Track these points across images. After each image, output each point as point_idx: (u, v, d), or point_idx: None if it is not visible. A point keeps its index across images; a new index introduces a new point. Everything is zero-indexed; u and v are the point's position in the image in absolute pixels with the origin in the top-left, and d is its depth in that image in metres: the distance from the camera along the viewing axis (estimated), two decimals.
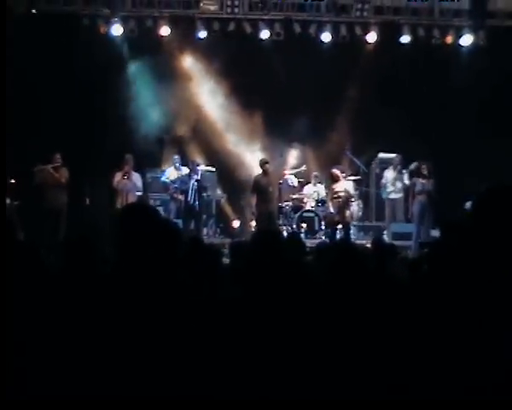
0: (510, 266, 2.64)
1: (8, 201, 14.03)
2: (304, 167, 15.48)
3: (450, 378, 2.63)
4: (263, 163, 14.39)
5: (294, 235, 9.26)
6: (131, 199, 14.54)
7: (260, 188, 14.20)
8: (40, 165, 14.26)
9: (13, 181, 14.55)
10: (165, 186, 15.30)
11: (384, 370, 3.06)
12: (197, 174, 14.56)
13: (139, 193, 14.82)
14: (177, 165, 15.22)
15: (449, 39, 16.24)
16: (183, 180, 14.66)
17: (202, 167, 15.26)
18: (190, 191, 14.45)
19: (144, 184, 15.33)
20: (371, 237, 14.19)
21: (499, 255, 2.64)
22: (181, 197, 14.78)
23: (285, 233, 14.78)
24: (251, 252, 3.97)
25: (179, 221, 14.19)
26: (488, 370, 2.55)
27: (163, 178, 15.30)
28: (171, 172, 15.23)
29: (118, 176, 14.55)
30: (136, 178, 14.74)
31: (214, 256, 5.43)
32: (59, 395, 2.85)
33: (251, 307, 3.46)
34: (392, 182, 15.24)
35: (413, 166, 14.80)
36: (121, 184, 14.48)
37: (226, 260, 6.74)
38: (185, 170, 14.90)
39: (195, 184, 14.49)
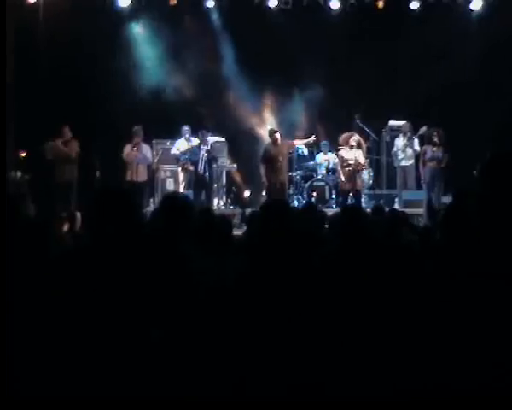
0: None
1: (19, 174, 14.09)
2: (313, 137, 15.41)
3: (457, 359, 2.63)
4: (272, 132, 14.36)
5: (310, 205, 9.17)
6: (142, 171, 14.55)
7: (270, 157, 14.19)
8: (50, 140, 14.26)
9: (23, 154, 14.60)
10: (175, 157, 15.26)
11: (393, 352, 3.06)
12: (207, 145, 14.53)
13: (149, 164, 14.82)
14: (187, 136, 15.19)
15: (459, 3, 16.08)
16: (194, 151, 14.63)
17: (212, 138, 15.21)
18: (200, 162, 14.43)
19: (153, 155, 15.32)
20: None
21: (506, 220, 2.64)
22: (191, 168, 14.78)
23: (296, 203, 14.88)
24: (260, 224, 3.95)
25: (190, 192, 14.23)
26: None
27: (173, 151, 15.25)
28: (181, 144, 15.19)
29: (127, 148, 14.52)
30: (146, 149, 14.72)
31: (226, 227, 5.44)
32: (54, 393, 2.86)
33: (258, 282, 3.45)
34: (403, 148, 15.16)
35: (422, 130, 14.73)
36: (131, 156, 14.46)
37: (237, 231, 6.75)
38: (195, 141, 14.87)
39: (205, 154, 14.48)
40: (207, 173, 14.51)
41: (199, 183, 14.46)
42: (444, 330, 2.75)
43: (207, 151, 14.46)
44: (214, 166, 14.87)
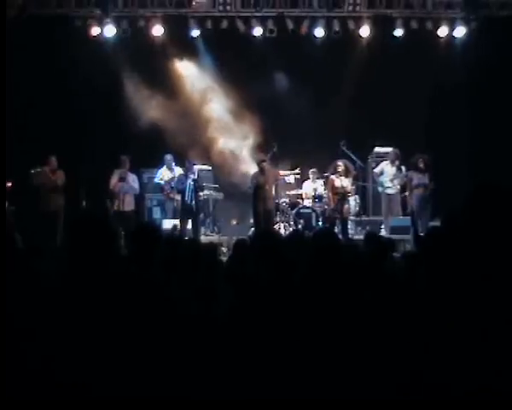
0: (498, 258, 2.65)
1: (6, 204, 14.03)
2: (298, 170, 15.54)
3: (450, 375, 2.63)
4: (260, 161, 14.42)
5: (296, 233, 9.18)
6: (128, 200, 14.55)
7: (257, 186, 14.24)
8: (37, 168, 14.25)
9: (10, 184, 14.55)
10: (160, 187, 15.27)
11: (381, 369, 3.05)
12: (194, 173, 14.55)
13: (135, 193, 14.82)
14: (170, 165, 15.20)
15: (442, 31, 16.21)
16: (180, 179, 14.63)
17: (198, 166, 15.24)
18: (187, 191, 14.42)
19: (141, 184, 15.32)
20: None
21: (487, 249, 2.66)
22: (177, 197, 14.79)
23: (282, 230, 14.89)
24: (251, 254, 3.96)
25: (176, 221, 14.24)
26: (489, 367, 2.55)
27: (156, 180, 15.32)
28: (163, 173, 15.22)
29: (114, 178, 14.53)
30: (133, 179, 14.72)
31: (212, 255, 5.43)
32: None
33: (251, 312, 3.45)
34: (391, 178, 15.21)
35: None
36: (117, 187, 14.47)
37: (224, 259, 6.74)
38: (178, 170, 14.90)
39: (192, 183, 14.49)
40: (194, 202, 14.51)
41: (186, 212, 14.45)
42: (431, 355, 2.75)
43: (194, 180, 14.47)
44: (201, 194, 14.87)
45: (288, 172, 15.47)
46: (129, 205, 14.61)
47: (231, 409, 3.11)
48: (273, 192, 14.72)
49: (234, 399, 3.13)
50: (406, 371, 2.88)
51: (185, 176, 14.50)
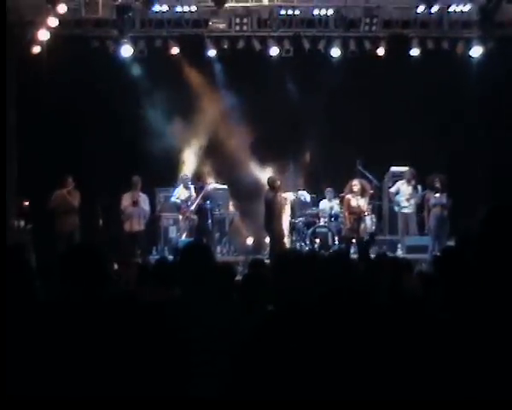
0: None
1: (22, 223, 14.12)
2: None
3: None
4: (272, 181, 14.41)
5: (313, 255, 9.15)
6: (138, 221, 14.63)
7: (269, 205, 14.23)
8: (57, 190, 14.35)
9: (26, 203, 14.64)
10: (176, 206, 15.29)
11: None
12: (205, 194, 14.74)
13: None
14: (187, 183, 15.21)
15: (459, 50, 16.18)
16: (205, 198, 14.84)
17: (213, 185, 15.33)
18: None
19: (155, 203, 15.46)
20: (385, 251, 14.17)
21: (504, 271, 2.63)
22: (193, 216, 14.85)
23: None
24: (273, 274, 3.95)
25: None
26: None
27: (173, 199, 15.30)
28: (180, 191, 15.22)
29: (125, 199, 14.60)
30: (144, 201, 14.78)
31: (229, 275, 5.42)
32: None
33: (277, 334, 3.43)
34: (407, 198, 15.18)
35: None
36: (128, 210, 14.56)
37: (239, 278, 6.71)
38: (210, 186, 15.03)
39: (208, 203, 14.63)
40: (209, 221, 14.59)
41: (201, 231, 14.53)
42: (447, 376, 2.72)
43: (206, 199, 14.65)
44: (216, 213, 14.95)
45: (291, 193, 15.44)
46: (139, 225, 14.68)
47: None
48: (283, 211, 14.71)
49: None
50: (424, 390, 2.85)
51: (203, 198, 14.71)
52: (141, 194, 14.75)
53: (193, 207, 14.70)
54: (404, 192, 15.27)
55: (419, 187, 15.11)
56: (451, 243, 12.94)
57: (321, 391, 3.19)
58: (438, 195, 14.37)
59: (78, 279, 3.15)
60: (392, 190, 15.51)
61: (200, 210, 14.72)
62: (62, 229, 14.23)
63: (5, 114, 12.89)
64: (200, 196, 14.72)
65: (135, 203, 14.54)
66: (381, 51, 16.11)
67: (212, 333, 3.43)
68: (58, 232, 14.24)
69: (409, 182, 15.24)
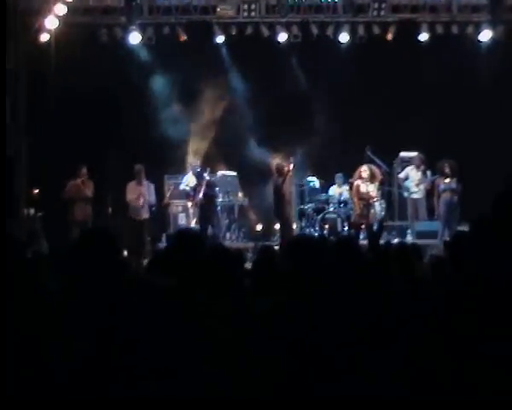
0: None
1: (32, 211, 14.18)
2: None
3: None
4: (280, 167, 14.42)
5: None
6: (144, 209, 14.70)
7: (278, 192, 14.26)
8: (71, 180, 14.40)
9: (36, 191, 14.71)
10: (185, 193, 15.32)
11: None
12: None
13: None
14: (197, 171, 15.22)
15: (468, 35, 16.10)
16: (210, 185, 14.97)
17: (223, 172, 15.41)
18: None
19: (164, 191, 15.57)
20: (395, 237, 14.18)
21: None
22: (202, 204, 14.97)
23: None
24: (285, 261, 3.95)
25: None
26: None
27: (182, 186, 15.33)
28: (189, 179, 15.24)
29: (130, 191, 14.68)
30: (150, 191, 14.86)
31: (237, 261, 5.42)
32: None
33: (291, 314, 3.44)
34: (417, 183, 15.16)
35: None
36: (134, 203, 14.67)
37: (249, 265, 6.72)
38: (204, 176, 15.03)
39: (214, 190, 14.85)
40: (217, 208, 14.90)
41: (206, 218, 14.67)
42: (456, 364, 2.72)
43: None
44: (225, 200, 15.16)
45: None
46: (145, 213, 14.74)
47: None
48: (290, 197, 14.75)
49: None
50: (432, 375, 2.85)
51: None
52: (145, 182, 14.80)
53: (200, 195, 14.73)
54: (413, 178, 15.25)
55: (428, 172, 15.08)
56: (462, 228, 12.96)
57: (332, 383, 3.20)
58: (448, 180, 14.34)
59: (93, 264, 3.14)
60: (402, 175, 15.50)
61: (207, 197, 14.77)
62: (75, 218, 14.36)
63: (4, 103, 12.91)
64: (203, 183, 14.76)
65: (140, 196, 14.58)
66: (389, 36, 16.04)
67: (221, 320, 3.44)
68: (71, 221, 14.33)
69: (418, 167, 15.22)
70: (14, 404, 2.86)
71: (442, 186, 14.42)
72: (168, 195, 15.61)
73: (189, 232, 4.33)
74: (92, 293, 3.06)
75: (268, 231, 15.59)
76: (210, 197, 14.86)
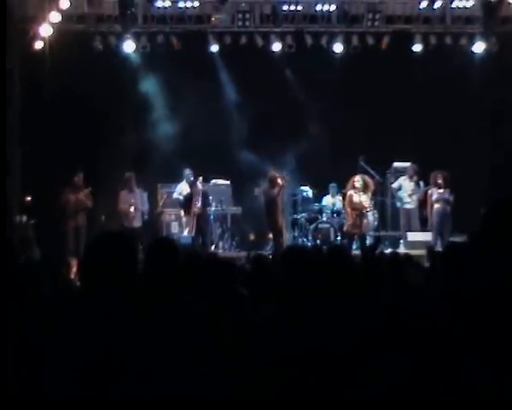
0: None
1: (24, 218, 14.15)
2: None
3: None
4: (272, 177, 14.45)
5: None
6: (136, 217, 14.69)
7: (271, 202, 14.28)
8: (69, 191, 14.41)
9: (29, 198, 14.67)
10: (178, 202, 15.31)
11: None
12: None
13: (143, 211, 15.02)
14: (190, 179, 15.20)
15: (461, 46, 16.17)
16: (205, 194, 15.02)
17: (217, 181, 15.43)
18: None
19: (157, 199, 15.57)
20: (387, 247, 14.19)
21: (506, 265, 2.65)
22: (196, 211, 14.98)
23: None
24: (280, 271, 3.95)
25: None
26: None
27: (175, 195, 15.33)
28: (183, 188, 15.23)
29: (122, 200, 14.68)
30: (142, 200, 14.91)
31: (230, 270, 5.43)
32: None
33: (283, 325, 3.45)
34: (410, 193, 15.21)
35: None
36: (125, 212, 14.68)
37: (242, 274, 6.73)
38: (197, 185, 15.02)
39: (208, 199, 14.88)
40: (210, 217, 14.95)
41: (199, 227, 14.71)
42: (452, 372, 2.73)
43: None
44: (218, 208, 15.31)
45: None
46: (137, 222, 14.74)
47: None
48: (281, 207, 14.79)
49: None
50: (427, 383, 2.86)
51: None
52: (137, 190, 14.83)
53: (199, 205, 14.76)
54: (406, 188, 15.29)
55: (421, 183, 15.12)
56: (455, 239, 12.99)
57: (327, 387, 3.21)
58: (441, 190, 14.39)
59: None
60: (395, 185, 15.53)
61: (203, 206, 14.82)
62: (71, 226, 14.36)
63: (5, 110, 12.89)
64: (199, 193, 14.80)
65: (131, 205, 14.60)
66: (383, 45, 16.10)
67: (215, 330, 3.44)
68: (68, 228, 14.34)
69: (411, 178, 15.26)
70: (14, 404, 2.86)
71: (435, 196, 14.46)
72: (161, 203, 15.59)
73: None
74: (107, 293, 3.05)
75: (261, 240, 15.57)
76: (204, 207, 14.90)
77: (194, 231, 14.73)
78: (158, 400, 2.86)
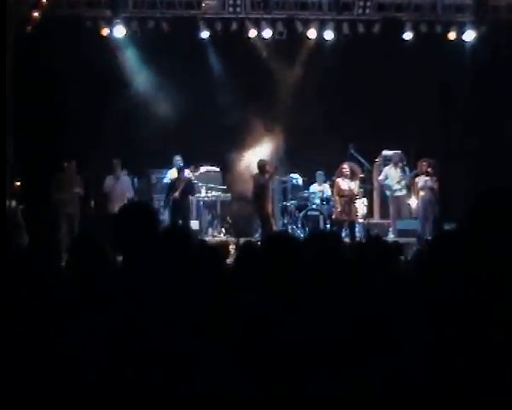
0: (505, 262, 2.66)
1: (13, 203, 14.10)
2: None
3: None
4: (261, 164, 14.49)
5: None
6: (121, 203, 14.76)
7: (260, 189, 14.32)
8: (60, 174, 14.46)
9: (18, 183, 14.63)
10: (169, 187, 15.31)
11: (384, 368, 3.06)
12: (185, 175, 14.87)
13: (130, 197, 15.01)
14: (180, 165, 15.20)
15: (452, 35, 16.19)
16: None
17: (207, 168, 15.42)
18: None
19: (146, 185, 15.71)
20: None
21: (495, 254, 2.67)
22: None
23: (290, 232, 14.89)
24: (264, 258, 3.95)
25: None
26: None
27: (165, 180, 15.36)
28: (172, 173, 15.24)
29: (108, 180, 14.92)
30: (127, 185, 15.06)
31: (218, 257, 5.43)
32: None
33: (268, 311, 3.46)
34: (398, 180, 15.26)
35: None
36: (110, 193, 14.86)
37: (230, 261, 6.74)
38: (187, 171, 15.03)
39: (191, 185, 15.05)
40: (190, 203, 15.28)
41: (180, 211, 14.88)
42: (440, 360, 2.75)
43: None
44: (208, 195, 15.54)
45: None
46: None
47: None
48: (271, 194, 14.84)
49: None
50: (414, 372, 2.87)
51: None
52: (122, 177, 15.01)
53: (176, 194, 14.81)
54: (392, 176, 15.35)
55: (407, 169, 15.19)
56: (446, 226, 13.06)
57: (319, 382, 3.22)
58: (427, 178, 14.48)
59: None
60: (381, 177, 15.61)
61: (182, 194, 14.83)
62: (66, 212, 14.43)
63: (5, 98, 12.80)
64: (182, 181, 14.85)
65: (115, 190, 14.80)
66: (373, 34, 16.10)
67: (203, 315, 3.45)
68: (61, 215, 14.43)
69: (396, 165, 15.35)
70: (14, 404, 2.86)
71: (421, 184, 14.58)
72: (152, 189, 15.70)
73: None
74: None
75: (250, 227, 15.57)
76: (185, 193, 14.95)
77: (171, 215, 14.82)
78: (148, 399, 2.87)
